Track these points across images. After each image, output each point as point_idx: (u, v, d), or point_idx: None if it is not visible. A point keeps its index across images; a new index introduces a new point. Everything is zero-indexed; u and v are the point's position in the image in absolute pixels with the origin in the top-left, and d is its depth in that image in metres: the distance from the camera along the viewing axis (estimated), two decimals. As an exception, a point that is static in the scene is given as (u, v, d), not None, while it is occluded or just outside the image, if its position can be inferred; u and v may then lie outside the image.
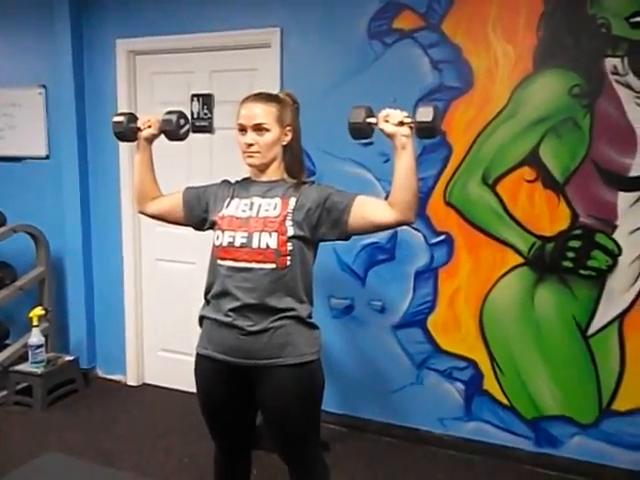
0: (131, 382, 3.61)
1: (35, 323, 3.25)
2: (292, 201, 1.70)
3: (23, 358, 3.33)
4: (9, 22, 3.62)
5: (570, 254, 2.55)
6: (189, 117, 2.00)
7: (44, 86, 3.56)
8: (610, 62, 2.41)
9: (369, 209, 1.66)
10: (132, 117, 1.90)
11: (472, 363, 2.77)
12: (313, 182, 1.80)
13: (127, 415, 3.21)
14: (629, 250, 2.47)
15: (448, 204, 2.73)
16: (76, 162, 3.44)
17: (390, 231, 2.79)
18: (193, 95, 3.20)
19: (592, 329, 2.56)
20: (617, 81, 2.41)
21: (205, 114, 3.19)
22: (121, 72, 3.34)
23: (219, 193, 1.82)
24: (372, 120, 1.62)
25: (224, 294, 1.70)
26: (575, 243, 2.54)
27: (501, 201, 2.64)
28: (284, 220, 1.66)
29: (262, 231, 1.66)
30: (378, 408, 2.97)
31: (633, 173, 2.43)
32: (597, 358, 2.56)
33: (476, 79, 2.61)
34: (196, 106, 3.20)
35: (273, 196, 1.72)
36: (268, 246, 1.65)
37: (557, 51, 2.48)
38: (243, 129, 1.73)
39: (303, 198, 1.70)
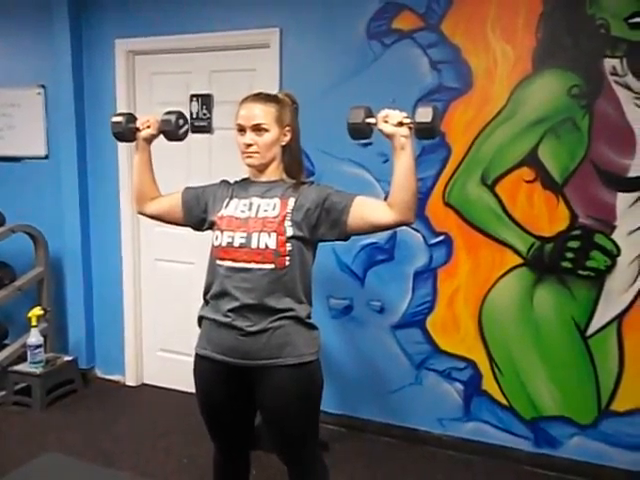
0: (130, 382, 3.61)
1: (34, 323, 3.25)
2: (291, 201, 1.70)
3: (22, 358, 3.33)
4: (8, 22, 3.61)
5: (569, 254, 2.55)
6: (188, 117, 2.00)
7: (43, 86, 3.56)
8: (609, 63, 2.41)
9: (368, 209, 1.66)
10: (131, 117, 1.90)
11: (471, 363, 2.78)
12: (312, 182, 1.80)
13: (126, 415, 3.21)
14: (628, 250, 2.47)
15: (447, 204, 2.73)
16: (75, 162, 3.44)
17: (389, 231, 2.79)
18: (192, 95, 3.20)
19: (591, 330, 2.56)
20: (616, 82, 2.41)
21: (204, 114, 3.19)
22: (120, 72, 3.34)
23: (218, 193, 1.82)
24: (371, 120, 1.62)
25: (223, 294, 1.70)
26: (574, 244, 2.54)
27: (500, 202, 2.64)
28: (283, 220, 1.66)
29: (261, 231, 1.66)
30: (377, 408, 2.97)
31: (632, 174, 2.43)
32: (596, 359, 2.56)
33: (475, 79, 2.61)
34: (195, 106, 3.20)
35: (272, 196, 1.72)
36: (267, 246, 1.65)
37: (556, 51, 2.49)
38: (242, 129, 1.73)
39: (302, 198, 1.70)
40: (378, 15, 2.73)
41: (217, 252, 1.73)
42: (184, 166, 3.25)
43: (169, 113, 1.88)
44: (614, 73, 2.41)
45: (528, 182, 2.58)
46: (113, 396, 3.46)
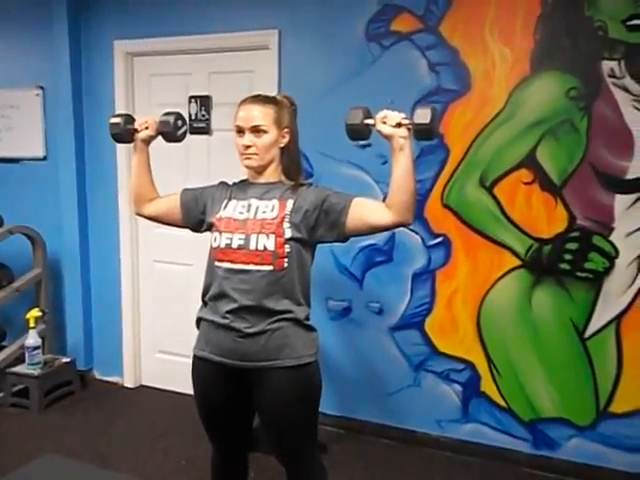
0: (128, 384, 3.60)
1: (32, 325, 3.24)
2: (290, 203, 1.70)
3: (20, 360, 3.32)
4: (7, 23, 3.61)
5: (567, 256, 2.56)
6: (187, 119, 2.00)
7: (42, 87, 3.56)
8: (607, 65, 2.41)
9: (367, 211, 1.66)
10: (129, 118, 1.90)
11: (469, 365, 2.78)
12: (311, 184, 1.80)
13: (124, 417, 3.21)
14: (626, 252, 2.48)
15: (446, 206, 2.73)
16: (73, 163, 3.44)
17: (388, 233, 2.80)
18: (191, 97, 3.20)
19: (589, 331, 2.57)
20: (614, 84, 2.41)
21: (203, 116, 3.19)
22: (119, 73, 3.34)
23: (217, 195, 1.81)
24: (370, 121, 1.62)
25: (221, 296, 1.70)
26: (572, 245, 2.54)
27: (498, 203, 2.64)
28: (282, 222, 1.67)
29: (260, 233, 1.66)
30: (375, 410, 2.97)
31: (630, 175, 2.44)
32: (594, 360, 2.57)
33: (473, 81, 2.61)
34: (194, 108, 3.20)
35: (271, 198, 1.72)
36: (266, 248, 1.65)
37: (554, 53, 2.49)
38: (241, 131, 1.73)
39: (301, 200, 1.70)
40: (377, 17, 2.73)
41: (215, 254, 1.73)
42: (182, 167, 3.25)
43: (167, 114, 1.88)
44: (612, 75, 2.41)
45: (526, 184, 2.58)
46: (111, 398, 3.45)
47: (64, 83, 3.38)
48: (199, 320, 1.81)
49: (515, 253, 2.64)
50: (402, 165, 1.58)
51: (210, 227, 1.78)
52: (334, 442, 2.89)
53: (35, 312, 3.30)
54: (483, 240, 2.68)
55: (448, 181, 2.71)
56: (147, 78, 3.35)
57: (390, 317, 2.88)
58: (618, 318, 2.52)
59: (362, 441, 2.94)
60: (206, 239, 1.79)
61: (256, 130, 1.70)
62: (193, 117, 3.18)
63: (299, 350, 1.69)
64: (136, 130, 1.86)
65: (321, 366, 1.77)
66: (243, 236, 1.67)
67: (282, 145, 1.76)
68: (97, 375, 3.68)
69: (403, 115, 1.58)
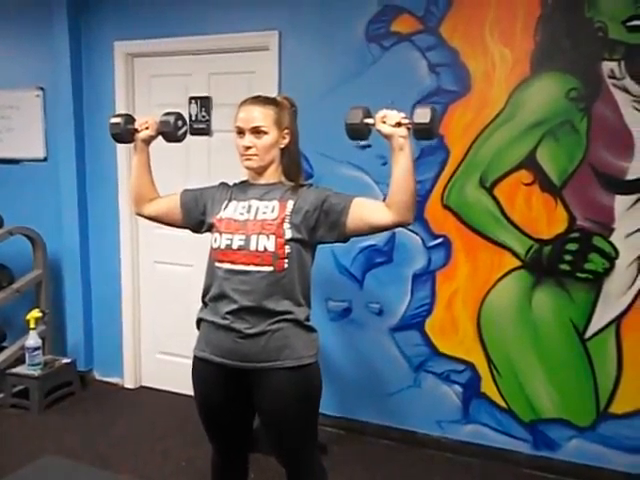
0: (128, 385, 3.60)
1: (32, 326, 3.25)
2: (290, 204, 1.70)
3: (20, 361, 3.32)
4: (7, 24, 3.61)
5: (567, 257, 2.56)
6: (187, 119, 2.00)
7: (42, 88, 3.56)
8: (607, 66, 2.42)
9: (367, 211, 1.67)
10: (129, 118, 1.90)
11: (470, 366, 2.78)
12: (311, 185, 1.80)
13: (124, 418, 3.20)
14: (626, 253, 2.48)
15: (446, 207, 2.73)
16: (74, 164, 3.44)
17: (388, 234, 2.80)
18: (191, 98, 3.20)
19: (589, 332, 2.57)
20: (614, 85, 2.42)
21: (203, 117, 3.19)
22: (119, 74, 3.34)
23: (217, 196, 1.82)
24: (369, 121, 1.62)
25: (222, 297, 1.70)
26: (572, 246, 2.54)
27: (498, 204, 2.64)
28: (282, 223, 1.67)
29: (260, 234, 1.66)
30: (376, 411, 2.97)
31: (630, 176, 2.44)
32: (594, 361, 2.57)
33: (473, 82, 2.61)
34: (194, 108, 3.20)
35: (271, 199, 1.72)
36: (266, 249, 1.65)
37: (554, 54, 2.49)
38: (241, 132, 1.73)
39: (301, 201, 1.70)
40: (377, 18, 2.74)
41: (216, 254, 1.73)
42: (183, 168, 3.25)
43: (168, 114, 1.88)
44: (612, 76, 2.41)
45: (526, 185, 2.59)
46: (111, 398, 3.45)
47: (64, 84, 3.39)
48: (199, 321, 1.81)
49: (515, 254, 2.64)
50: (402, 165, 1.58)
51: (210, 228, 1.78)
52: (334, 443, 2.89)
53: (35, 313, 3.30)
54: (483, 241, 2.68)
55: (448, 182, 2.71)
56: (147, 79, 3.35)
57: (390, 318, 2.89)
58: (618, 319, 2.52)
59: (362, 442, 2.94)
60: (206, 240, 1.79)
61: (256, 131, 1.70)
62: (193, 118, 3.19)
63: (299, 351, 1.69)
64: (136, 130, 1.86)
65: (321, 367, 1.77)
66: (243, 237, 1.67)
67: (282, 146, 1.76)
68: (97, 376, 3.68)
69: (403, 114, 1.58)
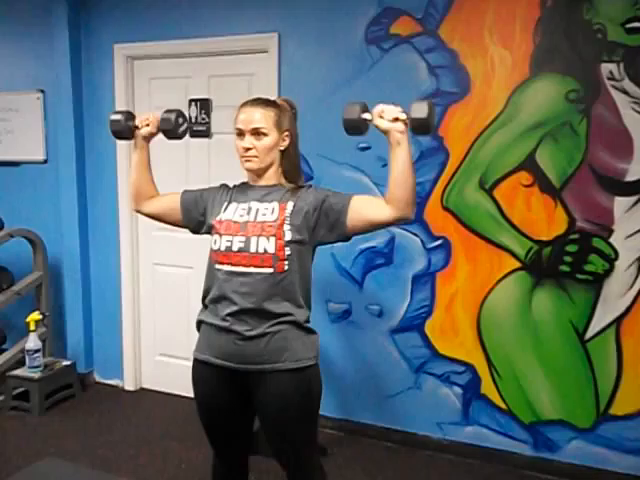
0: (128, 387, 3.60)
1: (32, 328, 3.25)
2: (289, 205, 1.70)
3: (20, 363, 3.32)
4: (8, 27, 3.62)
5: (567, 258, 2.56)
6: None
7: (42, 91, 3.56)
8: (606, 67, 2.42)
9: (366, 208, 1.66)
10: (130, 115, 1.89)
11: (470, 367, 2.78)
12: (310, 186, 1.80)
13: (124, 420, 3.20)
14: (625, 254, 2.48)
15: (445, 209, 2.73)
16: (74, 167, 3.44)
17: (388, 235, 2.80)
18: (191, 100, 3.21)
19: (589, 333, 2.57)
20: (613, 86, 2.42)
21: (203, 119, 3.19)
22: (119, 77, 3.34)
23: (217, 197, 1.82)
24: (367, 116, 1.61)
25: (222, 299, 1.70)
26: (572, 247, 2.54)
27: (498, 206, 2.64)
28: (282, 224, 1.67)
29: (260, 236, 1.66)
30: (376, 413, 2.97)
31: (629, 178, 2.44)
32: (594, 362, 2.57)
33: (473, 84, 2.62)
34: (194, 111, 3.20)
35: (271, 200, 1.72)
36: (266, 251, 1.65)
37: (553, 56, 2.50)
38: (241, 133, 1.73)
39: (300, 202, 1.70)
40: (376, 20, 2.74)
41: (216, 256, 1.73)
42: (183, 171, 3.26)
43: (168, 112, 1.88)
44: (611, 78, 2.42)
45: (526, 186, 2.59)
46: (111, 401, 3.45)
47: (64, 86, 3.39)
48: (199, 323, 1.81)
49: (515, 255, 2.64)
50: (400, 159, 1.58)
51: (210, 229, 1.78)
52: (334, 445, 2.88)
53: (35, 315, 3.30)
54: (483, 242, 2.68)
55: (448, 184, 2.71)
56: (147, 81, 3.36)
57: (390, 319, 2.89)
58: (618, 320, 2.52)
59: (362, 444, 2.94)
60: (206, 242, 1.79)
61: (256, 133, 1.71)
62: (193, 120, 3.19)
63: (299, 353, 1.69)
64: (137, 127, 1.86)
65: (321, 369, 1.77)
66: (243, 239, 1.68)
67: (282, 148, 1.76)
68: (97, 378, 3.68)
69: (400, 109, 1.58)
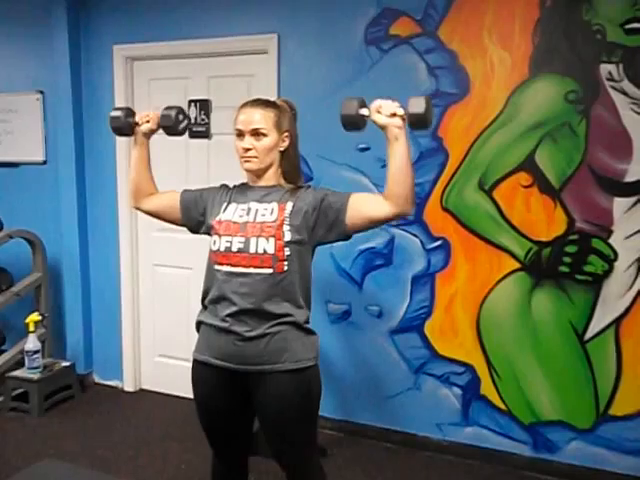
0: (128, 388, 3.60)
1: (31, 329, 3.24)
2: (289, 206, 1.70)
3: (19, 364, 3.32)
4: (7, 28, 3.62)
5: (566, 259, 2.56)
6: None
7: (42, 92, 3.56)
8: (605, 68, 2.42)
9: (365, 205, 1.66)
10: (130, 112, 1.90)
11: (469, 368, 2.78)
12: (309, 186, 1.80)
13: (124, 421, 3.20)
14: (625, 255, 2.48)
15: (445, 209, 2.73)
16: (73, 167, 3.44)
17: (387, 236, 2.81)
18: (190, 101, 3.21)
19: (589, 334, 2.57)
20: (612, 87, 2.42)
21: (202, 120, 3.19)
22: (118, 78, 3.34)
23: (217, 197, 1.82)
24: (364, 112, 1.61)
25: (221, 299, 1.70)
26: (571, 248, 2.55)
27: (497, 206, 2.64)
28: (281, 225, 1.67)
29: (259, 236, 1.66)
30: (375, 413, 2.97)
31: (628, 179, 2.44)
32: (594, 363, 2.57)
33: (472, 85, 2.62)
34: (193, 112, 3.20)
35: (270, 201, 1.72)
36: (265, 251, 1.65)
37: (553, 57, 2.50)
38: (241, 134, 1.73)
39: (299, 202, 1.70)
40: (376, 21, 2.74)
41: (215, 257, 1.73)
42: (182, 171, 3.26)
43: (169, 108, 1.88)
44: (610, 78, 2.42)
45: (525, 187, 2.59)
46: (111, 402, 3.45)
47: (64, 87, 3.39)
48: (199, 324, 1.81)
49: (514, 256, 2.64)
50: (398, 155, 1.58)
51: (209, 229, 1.78)
52: (334, 446, 2.88)
53: (35, 316, 3.30)
54: (482, 243, 2.68)
55: (447, 184, 2.72)
56: (147, 82, 3.36)
57: (390, 320, 2.89)
58: (617, 321, 2.52)
59: (362, 445, 2.93)
60: (206, 242, 1.79)
61: (256, 133, 1.71)
62: (193, 121, 3.19)
63: (299, 354, 1.69)
64: (137, 123, 1.86)
65: (321, 369, 1.77)
66: (243, 239, 1.68)
67: (282, 149, 1.76)
68: (97, 379, 3.68)
69: (397, 104, 1.58)
